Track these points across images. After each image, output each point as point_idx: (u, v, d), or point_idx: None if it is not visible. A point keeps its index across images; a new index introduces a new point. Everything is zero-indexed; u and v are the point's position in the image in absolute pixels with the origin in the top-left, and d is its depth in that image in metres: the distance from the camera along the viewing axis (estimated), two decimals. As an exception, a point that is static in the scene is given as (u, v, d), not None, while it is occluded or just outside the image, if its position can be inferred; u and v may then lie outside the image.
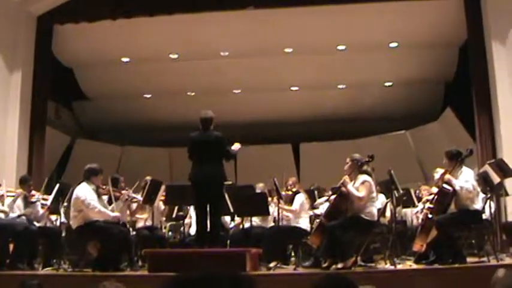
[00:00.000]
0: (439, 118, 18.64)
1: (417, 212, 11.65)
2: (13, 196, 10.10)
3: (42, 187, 11.00)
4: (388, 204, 10.61)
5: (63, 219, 10.57)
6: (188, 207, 11.75)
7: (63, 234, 10.50)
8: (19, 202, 10.10)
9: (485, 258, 8.82)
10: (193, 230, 10.78)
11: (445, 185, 8.72)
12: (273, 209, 10.94)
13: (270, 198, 10.97)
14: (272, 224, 11.10)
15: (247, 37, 15.85)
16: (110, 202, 9.75)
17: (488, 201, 9.64)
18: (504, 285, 2.11)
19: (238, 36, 15.79)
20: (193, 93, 19.61)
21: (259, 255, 9.18)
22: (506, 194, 10.72)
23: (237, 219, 11.27)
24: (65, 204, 10.25)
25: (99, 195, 9.39)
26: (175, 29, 15.34)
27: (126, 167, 18.88)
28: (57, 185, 10.34)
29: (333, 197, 9.27)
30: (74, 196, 9.19)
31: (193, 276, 1.71)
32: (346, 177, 8.93)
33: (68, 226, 10.26)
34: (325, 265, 8.63)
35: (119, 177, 10.88)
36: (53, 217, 11.17)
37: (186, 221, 11.74)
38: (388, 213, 11.09)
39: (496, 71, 13.06)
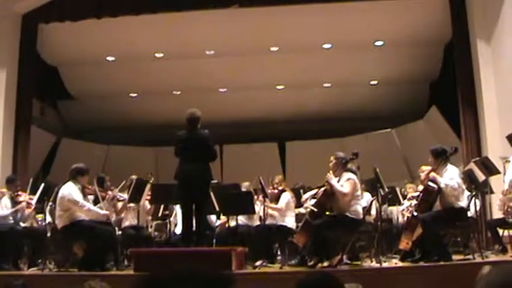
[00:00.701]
0: (424, 116, 18.71)
1: (403, 210, 11.69)
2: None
3: (28, 187, 10.92)
4: (374, 202, 10.62)
5: (48, 219, 10.52)
6: (174, 206, 11.72)
7: (49, 234, 10.44)
8: (6, 201, 10.03)
9: (470, 256, 8.85)
10: (179, 229, 10.76)
11: (430, 183, 8.74)
12: (258, 207, 10.94)
13: (255, 197, 10.97)
14: (258, 222, 11.09)
15: (233, 36, 15.85)
16: (95, 202, 9.72)
17: (473, 198, 9.66)
18: (487, 281, 2.11)
19: (223, 35, 15.78)
20: (178, 92, 19.59)
21: (245, 254, 9.17)
22: (491, 192, 10.75)
23: (223, 218, 11.26)
24: (51, 203, 10.20)
25: (84, 195, 9.36)
26: (160, 27, 15.32)
27: (112, 167, 18.83)
28: (42, 185, 10.28)
29: (320, 191, 9.24)
30: (59, 195, 9.14)
31: (164, 276, 1.69)
32: (329, 173, 8.95)
33: (53, 226, 10.21)
34: (311, 263, 8.64)
35: (104, 176, 10.85)
36: (39, 217, 11.11)
37: (171, 219, 11.72)
38: (373, 211, 11.11)
39: (481, 70, 13.12)
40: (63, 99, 20.11)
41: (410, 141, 19.02)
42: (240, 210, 10.24)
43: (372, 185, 10.67)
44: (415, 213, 8.81)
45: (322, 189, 9.07)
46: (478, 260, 8.48)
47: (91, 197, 9.72)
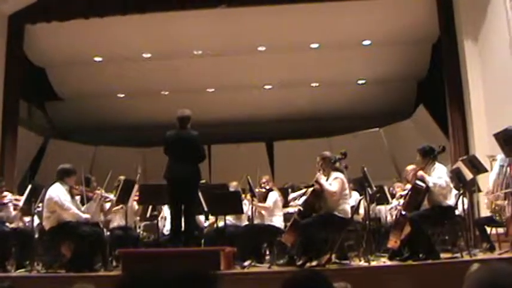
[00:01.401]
0: (412, 115, 18.74)
1: (391, 208, 11.70)
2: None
3: (15, 188, 10.86)
4: (362, 202, 10.64)
5: (36, 220, 10.47)
6: (162, 207, 11.70)
7: (36, 235, 10.39)
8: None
9: (458, 254, 8.86)
10: (167, 230, 10.75)
11: (418, 182, 8.77)
12: (246, 207, 10.94)
13: (243, 196, 10.97)
14: (246, 222, 11.10)
15: (220, 36, 15.82)
16: (83, 202, 9.69)
17: (461, 197, 9.70)
18: (476, 279, 2.11)
19: (211, 35, 15.75)
20: (166, 92, 19.56)
21: (233, 254, 9.16)
22: (479, 190, 10.77)
23: (211, 218, 11.25)
24: (38, 205, 10.15)
25: (72, 196, 9.34)
26: (148, 27, 15.28)
27: (100, 167, 18.76)
28: (30, 186, 10.22)
29: (308, 190, 9.24)
30: (47, 197, 9.11)
31: (146, 275, 1.67)
32: (319, 174, 8.97)
33: (41, 227, 10.16)
34: (299, 263, 8.64)
35: (90, 177, 10.81)
36: (27, 218, 11.05)
37: (159, 220, 11.70)
38: (362, 211, 11.14)
39: (468, 68, 13.17)
40: (51, 100, 20.02)
41: (398, 140, 19.06)
42: (228, 210, 10.23)
43: (360, 184, 10.70)
44: (403, 212, 8.83)
45: (311, 188, 9.08)
46: (466, 258, 8.50)
47: (78, 198, 9.69)
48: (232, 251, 9.11)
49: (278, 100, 19.42)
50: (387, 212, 12.23)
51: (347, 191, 9.00)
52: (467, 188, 10.20)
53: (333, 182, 8.80)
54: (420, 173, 8.81)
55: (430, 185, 8.60)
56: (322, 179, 8.89)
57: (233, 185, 11.53)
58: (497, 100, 12.35)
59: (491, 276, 2.08)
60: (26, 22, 14.83)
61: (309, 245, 8.60)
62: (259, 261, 9.84)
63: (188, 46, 16.66)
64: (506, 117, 11.05)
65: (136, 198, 10.76)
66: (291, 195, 11.09)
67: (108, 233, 10.64)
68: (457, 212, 9.44)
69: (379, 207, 12.48)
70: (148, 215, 11.96)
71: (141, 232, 12.21)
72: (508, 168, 8.91)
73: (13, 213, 10.20)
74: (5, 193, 10.32)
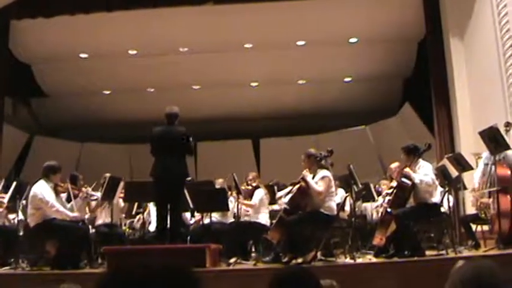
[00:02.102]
0: (398, 113, 18.81)
1: (377, 206, 11.71)
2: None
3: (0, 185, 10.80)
4: (348, 199, 10.67)
5: (20, 218, 10.41)
6: (148, 204, 11.67)
7: (21, 232, 10.35)
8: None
9: (443, 251, 8.88)
10: (153, 227, 10.73)
11: (403, 179, 8.79)
12: (232, 204, 10.93)
13: (229, 193, 10.97)
14: (232, 219, 11.09)
15: (207, 33, 15.77)
16: (68, 200, 9.65)
17: (446, 194, 9.73)
18: (460, 275, 2.11)
19: (197, 32, 15.71)
20: (152, 90, 19.51)
21: (219, 251, 9.16)
22: (464, 188, 10.82)
23: (197, 215, 11.25)
24: (23, 202, 10.10)
25: (57, 193, 9.29)
26: (133, 24, 15.23)
27: (86, 164, 18.74)
28: (15, 183, 10.17)
29: (294, 188, 9.23)
30: (31, 194, 9.06)
31: (129, 273, 1.65)
32: (305, 171, 8.98)
33: (25, 224, 10.12)
34: (285, 260, 8.65)
35: (78, 175, 10.76)
36: (11, 216, 10.99)
37: (144, 216, 11.69)
38: (347, 208, 11.16)
39: (454, 66, 13.21)
40: (36, 96, 19.90)
41: (384, 137, 19.12)
42: (213, 208, 10.24)
43: (345, 182, 10.72)
44: (388, 210, 8.84)
45: (297, 186, 9.08)
46: (452, 255, 8.51)
47: (64, 195, 9.64)
48: (218, 248, 9.11)
49: (264, 97, 19.43)
50: (373, 209, 12.26)
51: (333, 189, 9.03)
52: (452, 185, 10.24)
53: (320, 182, 8.82)
54: (406, 170, 8.83)
55: (417, 181, 8.61)
56: (309, 177, 8.90)
57: (219, 182, 11.53)
58: (482, 98, 12.39)
59: (475, 273, 2.08)
60: (11, 18, 14.73)
61: (295, 242, 8.60)
62: (245, 258, 9.83)
63: (174, 43, 16.63)
64: (492, 115, 11.10)
65: (122, 195, 10.73)
66: (279, 193, 11.10)
67: (94, 230, 10.60)
68: (442, 210, 9.47)
69: (364, 204, 12.51)
70: (133, 212, 11.94)
71: (127, 229, 12.19)
72: (493, 166, 8.94)
73: (-3, 210, 10.16)
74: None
